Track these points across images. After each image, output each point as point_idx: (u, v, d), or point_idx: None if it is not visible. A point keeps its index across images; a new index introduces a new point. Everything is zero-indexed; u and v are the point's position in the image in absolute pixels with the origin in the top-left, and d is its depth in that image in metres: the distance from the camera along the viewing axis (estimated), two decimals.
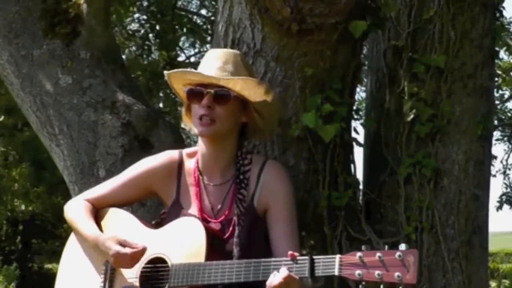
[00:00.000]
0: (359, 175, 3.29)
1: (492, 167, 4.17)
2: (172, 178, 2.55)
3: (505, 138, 13.56)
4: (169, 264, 2.31)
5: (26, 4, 3.42)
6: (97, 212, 2.59)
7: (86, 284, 2.48)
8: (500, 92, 11.95)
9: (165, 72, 2.51)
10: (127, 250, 2.33)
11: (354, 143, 3.11)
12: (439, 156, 3.10)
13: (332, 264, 2.05)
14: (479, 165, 3.16)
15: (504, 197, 13.98)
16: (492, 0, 3.27)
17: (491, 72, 3.29)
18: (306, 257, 2.10)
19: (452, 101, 3.12)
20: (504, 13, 3.45)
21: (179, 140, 3.32)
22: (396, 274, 1.96)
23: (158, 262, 2.35)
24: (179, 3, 8.33)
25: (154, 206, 3.06)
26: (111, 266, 2.42)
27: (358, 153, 3.36)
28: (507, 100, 12.57)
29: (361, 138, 3.33)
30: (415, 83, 3.10)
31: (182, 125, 2.61)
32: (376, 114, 3.28)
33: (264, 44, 2.84)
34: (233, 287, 2.24)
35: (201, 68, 2.47)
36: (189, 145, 2.70)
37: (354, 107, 3.16)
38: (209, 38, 7.90)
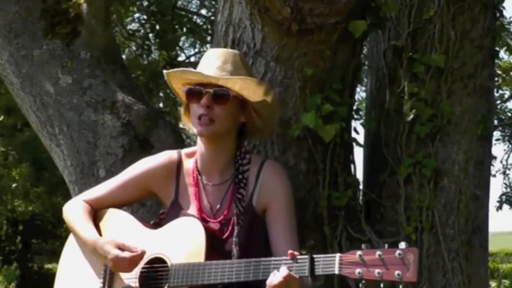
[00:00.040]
0: (359, 175, 3.29)
1: (492, 167, 4.18)
2: (171, 178, 2.55)
3: (506, 138, 13.56)
4: (169, 264, 2.31)
5: (26, 4, 3.42)
6: (96, 213, 2.59)
7: (85, 285, 2.48)
8: (500, 92, 11.95)
9: (164, 71, 2.51)
10: (126, 254, 2.33)
11: (354, 143, 3.11)
12: (439, 156, 3.10)
13: (332, 263, 2.05)
14: (479, 165, 3.16)
15: (504, 197, 13.97)
16: (492, 0, 3.27)
17: (491, 72, 3.29)
18: (306, 256, 2.10)
19: (452, 101, 3.12)
20: (504, 13, 3.46)
21: (179, 140, 3.32)
22: (396, 272, 1.96)
23: (157, 262, 2.35)
24: (179, 3, 8.33)
25: (154, 206, 3.06)
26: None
27: (358, 153, 3.37)
28: (507, 100, 12.57)
29: (361, 138, 3.34)
30: (415, 83, 3.10)
31: (181, 125, 2.61)
32: (376, 114, 3.28)
33: (264, 44, 2.84)
34: (233, 286, 2.24)
35: (200, 68, 2.47)
36: (189, 145, 2.70)
37: (354, 107, 3.15)
38: (209, 38, 7.90)
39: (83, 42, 3.37)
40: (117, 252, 2.34)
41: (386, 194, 3.15)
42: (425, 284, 2.99)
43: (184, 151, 2.60)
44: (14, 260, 18.01)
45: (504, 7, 3.40)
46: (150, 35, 7.40)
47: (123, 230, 2.49)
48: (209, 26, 7.99)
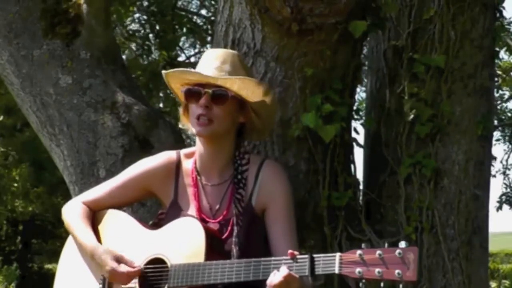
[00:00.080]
0: (359, 175, 3.29)
1: (492, 167, 4.18)
2: (170, 178, 2.55)
3: (506, 138, 13.55)
4: (169, 264, 2.31)
5: (26, 4, 3.42)
6: (96, 214, 2.59)
7: (85, 286, 2.48)
8: (500, 92, 11.95)
9: (163, 71, 2.51)
10: (123, 268, 2.35)
11: (354, 143, 3.11)
12: (439, 156, 3.10)
13: (332, 262, 2.05)
14: (479, 165, 3.16)
15: (504, 197, 13.96)
16: (492, 0, 3.27)
17: (491, 72, 3.29)
18: (306, 256, 2.11)
19: (452, 101, 3.12)
20: (504, 13, 3.46)
21: (180, 140, 3.32)
22: (397, 271, 1.96)
23: (157, 263, 2.35)
24: (179, 3, 8.33)
25: (154, 206, 3.06)
26: None
27: (358, 153, 3.37)
28: (507, 100, 12.57)
29: (361, 138, 3.34)
30: (415, 83, 3.10)
31: (180, 126, 2.61)
32: (376, 114, 3.27)
33: (264, 44, 2.84)
34: (233, 286, 2.24)
35: (199, 68, 2.47)
36: (189, 145, 2.70)
37: (354, 107, 3.15)
38: (209, 39, 7.89)
39: (83, 42, 3.37)
40: (114, 265, 2.35)
41: (386, 194, 3.15)
42: (425, 284, 2.99)
43: (183, 151, 2.60)
44: (14, 260, 17.99)
45: (504, 7, 3.40)
46: (150, 35, 7.40)
47: (122, 231, 2.49)
48: (209, 26, 7.99)
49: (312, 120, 2.78)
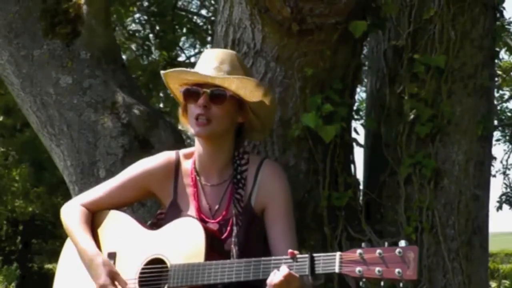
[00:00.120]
0: (359, 175, 3.30)
1: (492, 168, 4.18)
2: (169, 178, 2.55)
3: (506, 138, 13.54)
4: (168, 265, 2.31)
5: (26, 4, 3.42)
6: (95, 214, 2.58)
7: (84, 286, 2.48)
8: (500, 92, 11.94)
9: (162, 72, 2.51)
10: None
11: (354, 144, 3.11)
12: (439, 157, 3.10)
13: (333, 261, 2.05)
14: (479, 165, 3.16)
15: (504, 197, 13.95)
16: (492, 0, 3.27)
17: (491, 72, 3.29)
18: (306, 255, 2.10)
19: (452, 101, 3.13)
20: (504, 13, 3.46)
21: (180, 141, 3.32)
22: (397, 270, 1.96)
23: (157, 263, 2.35)
24: (179, 3, 8.33)
25: (154, 206, 3.06)
26: None
27: (359, 153, 3.37)
28: (507, 100, 12.56)
29: (361, 138, 3.34)
30: (415, 83, 3.10)
31: (179, 127, 2.61)
32: (376, 114, 3.28)
33: (264, 44, 2.84)
34: (233, 286, 2.24)
35: (198, 68, 2.47)
36: (190, 145, 2.69)
37: (354, 107, 3.16)
38: (209, 39, 7.89)
39: (83, 42, 3.37)
40: (107, 282, 2.34)
41: (386, 194, 3.15)
42: (425, 284, 2.99)
43: (182, 151, 2.60)
44: (14, 260, 18.01)
45: (504, 8, 3.40)
46: (150, 35, 7.40)
47: (122, 231, 2.49)
48: (209, 27, 7.99)
49: (312, 120, 2.78)
